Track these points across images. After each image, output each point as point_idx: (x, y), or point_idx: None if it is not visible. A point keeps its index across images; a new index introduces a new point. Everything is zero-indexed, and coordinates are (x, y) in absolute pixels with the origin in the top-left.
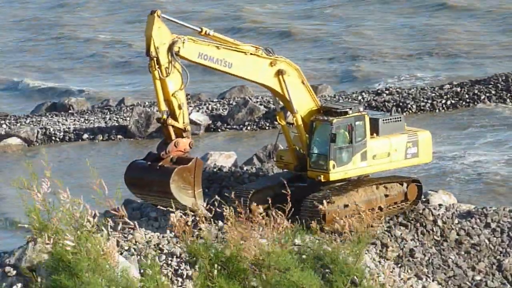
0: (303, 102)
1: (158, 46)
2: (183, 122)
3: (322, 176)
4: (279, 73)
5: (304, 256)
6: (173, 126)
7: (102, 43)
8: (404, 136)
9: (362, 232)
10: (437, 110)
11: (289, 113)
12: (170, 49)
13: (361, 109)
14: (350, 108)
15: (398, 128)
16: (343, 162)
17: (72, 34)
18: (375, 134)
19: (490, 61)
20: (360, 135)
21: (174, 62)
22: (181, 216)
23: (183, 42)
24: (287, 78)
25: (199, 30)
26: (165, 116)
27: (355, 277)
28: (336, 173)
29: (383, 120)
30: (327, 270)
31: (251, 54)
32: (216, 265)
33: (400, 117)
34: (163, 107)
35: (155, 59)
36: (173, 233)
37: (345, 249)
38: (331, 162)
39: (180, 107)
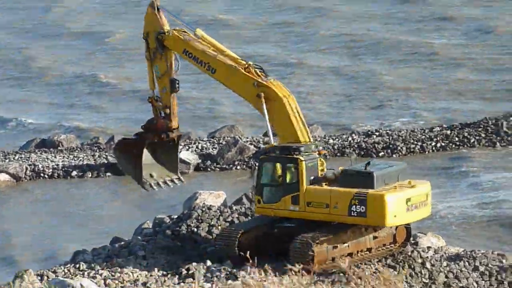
0: (285, 133)
1: (148, 31)
2: (165, 105)
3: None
4: (261, 95)
5: None
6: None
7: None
8: (349, 192)
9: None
10: (426, 153)
11: None
12: (156, 37)
13: (297, 153)
14: (290, 149)
15: (363, 183)
16: (270, 199)
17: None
18: (325, 184)
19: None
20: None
21: (160, 49)
22: None
23: (167, 34)
24: (269, 103)
25: (193, 30)
26: (152, 96)
27: None
28: (262, 208)
29: (346, 172)
30: None
31: (235, 67)
32: None
33: (367, 173)
34: (152, 86)
35: (145, 42)
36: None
37: None
38: (256, 197)
39: (162, 91)
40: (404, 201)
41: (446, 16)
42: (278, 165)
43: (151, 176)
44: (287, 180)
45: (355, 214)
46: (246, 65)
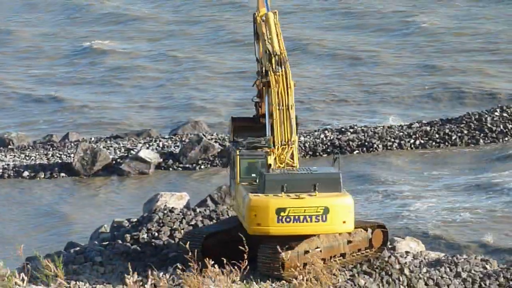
0: (274, 128)
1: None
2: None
3: None
4: (267, 84)
5: None
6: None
7: None
8: (242, 193)
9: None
10: (404, 150)
11: None
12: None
13: (239, 148)
14: (236, 142)
15: (259, 187)
16: (231, 195)
17: None
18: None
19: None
20: (233, 175)
21: (255, 32)
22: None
23: (256, 17)
24: (270, 91)
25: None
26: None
27: None
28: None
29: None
30: None
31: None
32: None
33: (261, 176)
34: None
35: None
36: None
37: None
38: (230, 190)
39: (257, 75)
40: (273, 211)
41: (367, 12)
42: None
43: None
44: (233, 175)
45: (243, 217)
46: (275, 53)
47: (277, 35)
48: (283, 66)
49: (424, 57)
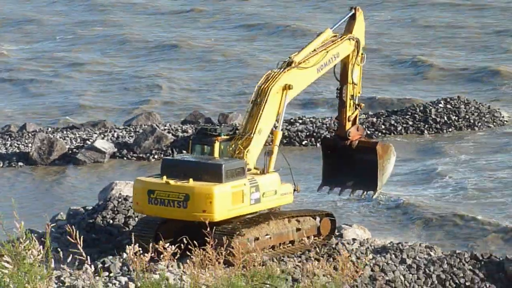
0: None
1: None
2: None
3: None
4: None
5: None
6: None
7: None
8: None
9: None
10: None
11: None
12: None
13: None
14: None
15: None
16: None
17: None
18: None
19: None
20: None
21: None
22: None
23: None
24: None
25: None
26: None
27: None
28: None
29: None
30: None
31: None
32: None
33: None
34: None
35: None
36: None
37: None
38: None
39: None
40: (145, 192)
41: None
42: None
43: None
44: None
45: None
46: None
47: (315, 50)
48: (285, 70)
49: None
